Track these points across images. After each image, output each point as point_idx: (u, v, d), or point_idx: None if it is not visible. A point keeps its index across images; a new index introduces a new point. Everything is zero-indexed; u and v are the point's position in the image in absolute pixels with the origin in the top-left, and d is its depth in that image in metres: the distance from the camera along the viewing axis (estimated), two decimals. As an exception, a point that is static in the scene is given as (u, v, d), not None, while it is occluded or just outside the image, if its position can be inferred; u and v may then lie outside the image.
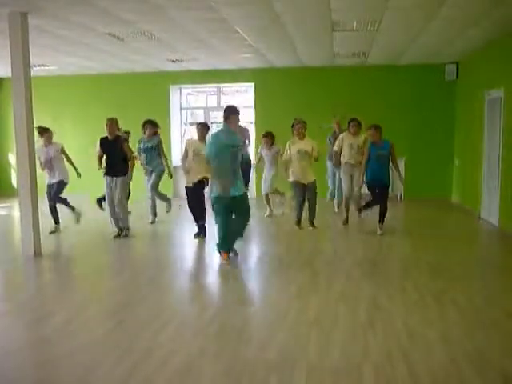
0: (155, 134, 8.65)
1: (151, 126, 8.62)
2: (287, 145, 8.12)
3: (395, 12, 6.66)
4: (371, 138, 7.65)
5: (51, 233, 7.91)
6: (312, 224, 8.11)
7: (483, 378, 3.21)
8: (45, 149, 7.89)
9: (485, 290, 5.11)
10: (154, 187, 8.62)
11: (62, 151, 8.03)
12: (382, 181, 7.66)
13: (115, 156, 7.47)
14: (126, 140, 7.74)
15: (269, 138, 8.90)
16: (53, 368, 3.46)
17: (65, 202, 8.05)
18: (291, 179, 8.08)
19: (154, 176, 8.61)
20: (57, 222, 8.07)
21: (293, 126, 8.20)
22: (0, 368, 3.47)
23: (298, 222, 8.16)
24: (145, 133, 8.63)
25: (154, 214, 8.76)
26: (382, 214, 7.70)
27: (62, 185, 8.00)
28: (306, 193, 8.03)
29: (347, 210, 8.42)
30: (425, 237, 7.63)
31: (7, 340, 3.99)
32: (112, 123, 7.49)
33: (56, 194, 7.93)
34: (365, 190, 8.49)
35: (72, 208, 8.10)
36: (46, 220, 7.72)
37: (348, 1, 6.27)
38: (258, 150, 9.27)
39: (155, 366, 3.40)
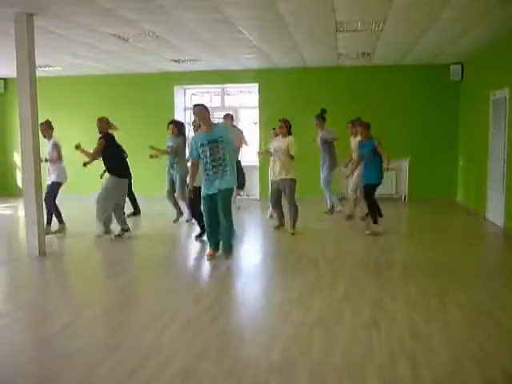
0: (178, 133, 8.62)
1: (174, 125, 8.68)
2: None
3: (399, 12, 6.65)
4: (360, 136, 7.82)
5: (54, 233, 7.77)
6: (292, 227, 7.83)
7: (486, 378, 3.21)
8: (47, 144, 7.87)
9: (488, 291, 5.10)
10: (181, 194, 8.60)
11: (54, 147, 7.73)
12: (366, 180, 7.76)
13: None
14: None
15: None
16: (54, 368, 3.48)
17: (57, 212, 7.81)
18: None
19: (178, 182, 8.61)
20: (61, 221, 7.92)
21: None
22: (2, 368, 3.49)
23: (278, 226, 8.09)
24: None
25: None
26: (366, 213, 7.91)
27: (54, 186, 7.75)
28: (281, 191, 7.86)
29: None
30: (429, 237, 7.61)
31: (10, 340, 4.01)
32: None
33: (48, 197, 7.64)
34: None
35: (59, 221, 7.89)
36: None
37: (352, 1, 6.27)
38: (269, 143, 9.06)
39: (156, 367, 3.40)
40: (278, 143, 7.84)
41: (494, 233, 8.12)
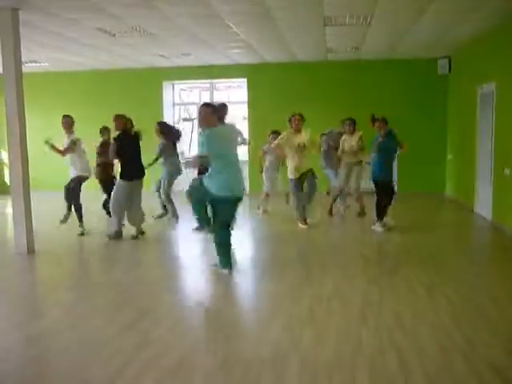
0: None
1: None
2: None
3: (387, 6, 6.67)
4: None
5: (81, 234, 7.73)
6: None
7: (473, 370, 3.24)
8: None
9: (477, 283, 5.15)
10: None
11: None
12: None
13: (138, 154, 7.19)
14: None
15: (276, 134, 8.43)
16: (43, 366, 3.46)
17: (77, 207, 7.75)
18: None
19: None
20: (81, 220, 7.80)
21: (290, 120, 7.90)
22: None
23: (305, 220, 7.96)
24: None
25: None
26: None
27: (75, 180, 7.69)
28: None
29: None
30: (417, 231, 7.66)
31: None
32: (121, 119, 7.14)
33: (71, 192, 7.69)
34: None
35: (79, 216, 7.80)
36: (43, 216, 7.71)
37: (340, -4, 6.28)
38: (264, 147, 8.95)
39: (147, 363, 3.40)
40: (300, 139, 7.72)
41: (482, 226, 8.20)
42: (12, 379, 3.28)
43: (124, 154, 7.06)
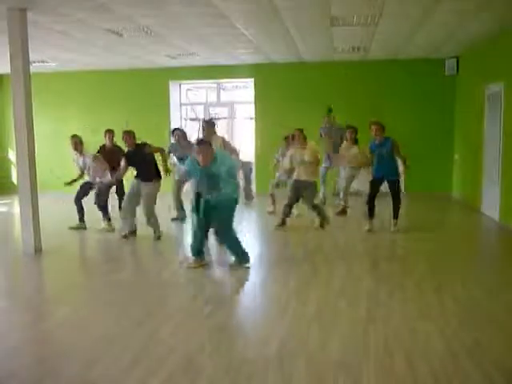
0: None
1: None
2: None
3: (395, 6, 6.64)
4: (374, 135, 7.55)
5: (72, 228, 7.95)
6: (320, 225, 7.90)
7: (481, 371, 3.22)
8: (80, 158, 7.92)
9: (484, 284, 5.12)
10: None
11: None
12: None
13: (142, 165, 7.23)
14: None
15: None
16: (52, 365, 3.47)
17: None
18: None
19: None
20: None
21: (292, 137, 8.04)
22: (0, 365, 3.47)
23: (281, 225, 7.90)
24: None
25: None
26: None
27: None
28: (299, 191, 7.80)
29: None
30: (425, 231, 7.64)
31: (7, 338, 4.00)
32: (129, 136, 7.30)
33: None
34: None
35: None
36: (47, 216, 7.75)
37: (347, -4, 6.26)
38: (277, 154, 8.98)
39: (154, 362, 3.41)
40: (300, 155, 7.65)
41: (490, 227, 8.15)
42: (17, 379, 3.28)
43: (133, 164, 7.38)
